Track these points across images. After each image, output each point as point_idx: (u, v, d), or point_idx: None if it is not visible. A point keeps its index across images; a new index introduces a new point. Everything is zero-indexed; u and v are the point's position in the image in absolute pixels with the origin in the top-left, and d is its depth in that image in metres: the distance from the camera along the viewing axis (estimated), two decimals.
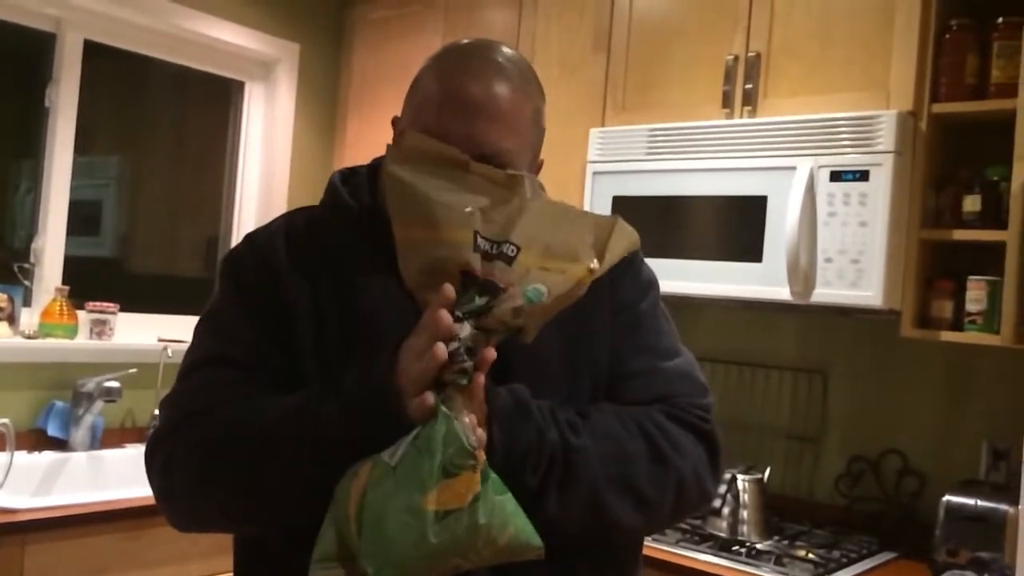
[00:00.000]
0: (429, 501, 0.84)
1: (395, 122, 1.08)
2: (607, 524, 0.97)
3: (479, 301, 0.90)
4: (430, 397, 0.87)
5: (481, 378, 0.89)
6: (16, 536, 1.86)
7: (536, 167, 1.10)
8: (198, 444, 0.98)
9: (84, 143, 2.86)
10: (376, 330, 0.98)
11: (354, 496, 0.86)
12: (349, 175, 1.13)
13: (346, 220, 1.07)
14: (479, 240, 0.90)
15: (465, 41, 1.10)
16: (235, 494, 0.97)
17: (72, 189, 2.77)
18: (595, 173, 2.41)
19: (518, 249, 0.91)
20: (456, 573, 0.88)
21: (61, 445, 2.48)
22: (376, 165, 1.11)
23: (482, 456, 0.87)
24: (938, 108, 2.01)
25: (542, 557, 0.90)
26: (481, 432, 0.88)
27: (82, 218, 3.43)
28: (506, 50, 1.07)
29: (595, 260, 0.93)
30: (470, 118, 0.99)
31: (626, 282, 1.10)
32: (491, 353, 0.89)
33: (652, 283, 1.14)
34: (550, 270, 0.91)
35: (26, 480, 2.26)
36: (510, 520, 0.88)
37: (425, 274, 0.91)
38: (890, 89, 2.03)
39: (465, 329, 0.89)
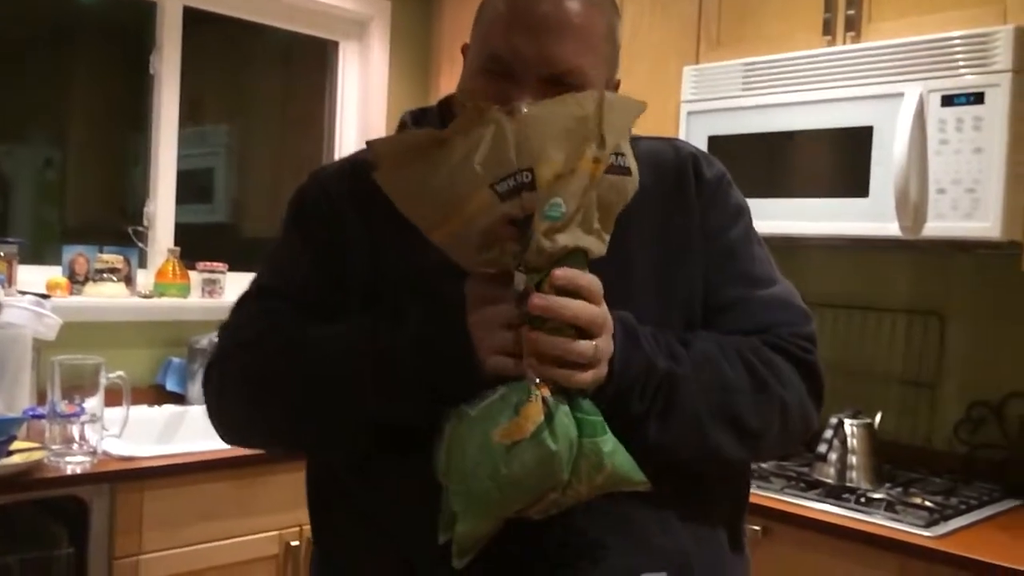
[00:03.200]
0: (496, 435, 0.84)
1: (464, 49, 1.06)
2: (710, 453, 0.95)
3: (528, 238, 0.86)
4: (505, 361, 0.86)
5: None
6: (136, 482, 1.96)
7: (613, 85, 1.06)
8: (249, 371, 1.00)
9: (194, 113, 2.96)
10: (433, 273, 0.95)
11: (441, 445, 0.88)
12: (420, 114, 1.11)
13: None
14: (498, 187, 0.84)
15: None
16: (287, 420, 0.98)
17: (185, 158, 2.87)
18: (689, 113, 2.33)
19: (531, 172, 0.84)
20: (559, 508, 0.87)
21: (179, 399, 2.60)
22: (445, 103, 1.10)
23: (545, 390, 0.85)
24: None
25: (648, 488, 0.88)
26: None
27: (196, 186, 3.57)
28: None
29: (594, 146, 0.85)
30: (540, 35, 0.95)
31: (715, 208, 1.05)
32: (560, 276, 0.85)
33: (742, 208, 1.09)
34: (563, 175, 0.84)
35: (147, 432, 2.38)
36: (607, 459, 0.86)
37: (483, 253, 0.86)
38: (1007, 2, 1.88)
39: (516, 278, 0.86)
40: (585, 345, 0.84)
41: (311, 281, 1.03)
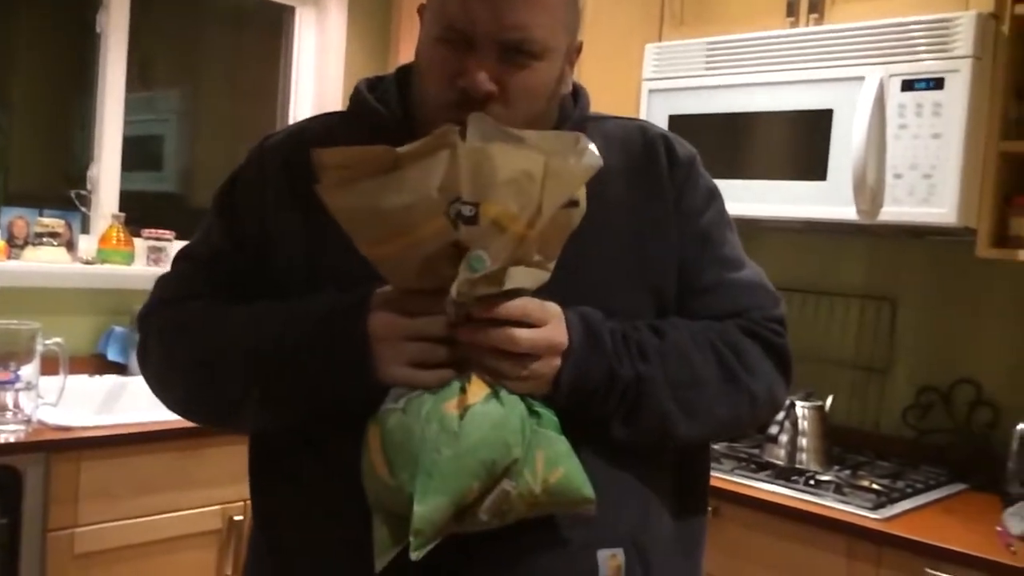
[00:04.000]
0: (446, 406, 0.82)
1: (421, 11, 1.02)
2: (675, 443, 0.96)
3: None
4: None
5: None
6: (72, 452, 1.89)
7: (575, 50, 1.03)
8: (164, 335, 1.02)
9: (144, 77, 2.86)
10: (347, 265, 0.92)
11: (374, 448, 0.84)
12: (376, 82, 1.07)
13: (371, 126, 1.01)
14: (450, 212, 0.81)
15: None
16: (191, 390, 1.00)
17: (134, 124, 2.78)
18: (651, 91, 2.31)
19: (476, 207, 0.81)
20: (507, 508, 0.84)
21: (121, 369, 2.52)
22: (403, 72, 1.06)
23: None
24: (1022, 9, 1.85)
25: (592, 513, 0.87)
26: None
27: (145, 154, 3.46)
28: None
29: (532, 215, 0.82)
30: (497, 1, 0.91)
31: (688, 190, 1.04)
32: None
33: (714, 191, 1.08)
34: (498, 225, 0.81)
35: (86, 402, 2.31)
36: (562, 460, 0.85)
37: (420, 276, 0.84)
38: None
39: (447, 305, 0.84)
40: (518, 367, 0.85)
41: (223, 249, 1.04)
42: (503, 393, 0.84)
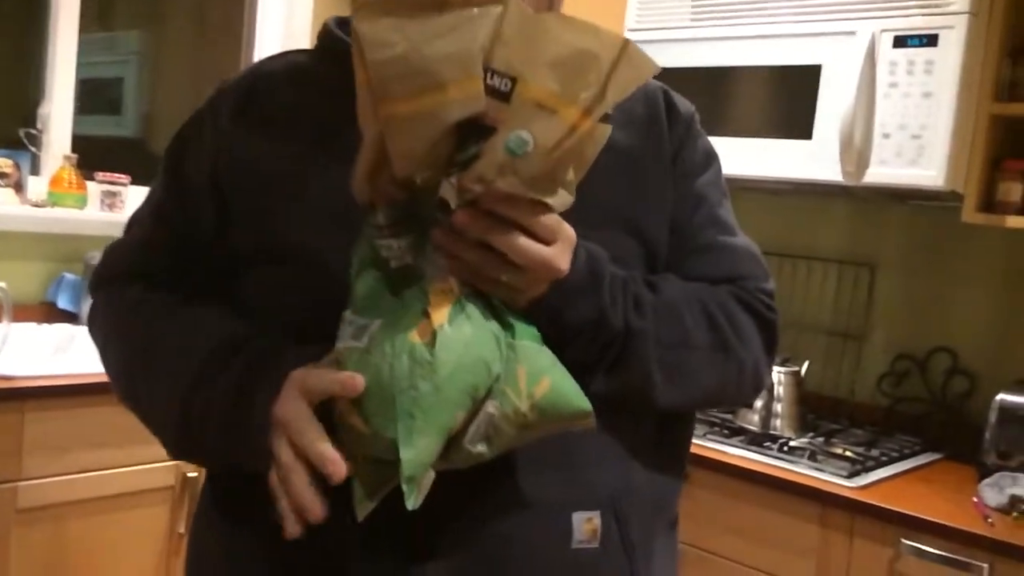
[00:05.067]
0: (414, 336, 0.72)
1: None
2: (653, 406, 0.88)
3: (471, 151, 0.71)
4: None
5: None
6: (15, 403, 1.80)
7: None
8: (103, 323, 0.95)
9: (103, 16, 2.72)
10: (329, 238, 0.83)
11: (346, 407, 0.74)
12: (347, 20, 0.97)
13: (343, 64, 0.92)
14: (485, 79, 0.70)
15: None
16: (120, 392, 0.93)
17: (92, 66, 2.65)
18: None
19: (512, 82, 0.69)
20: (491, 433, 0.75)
21: (71, 318, 2.41)
22: None
23: (452, 284, 0.74)
24: None
25: (593, 427, 0.78)
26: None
27: (104, 97, 3.31)
28: None
29: (591, 100, 0.71)
30: None
31: (688, 147, 0.97)
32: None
33: (712, 154, 1.02)
34: (544, 107, 0.70)
35: (33, 351, 2.20)
36: (547, 372, 0.75)
37: (427, 157, 0.71)
38: None
39: (445, 187, 0.72)
40: (500, 271, 0.74)
41: (173, 211, 0.94)
42: (469, 306, 0.73)
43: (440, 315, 0.73)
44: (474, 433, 0.74)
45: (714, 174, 1.00)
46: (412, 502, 0.71)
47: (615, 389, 0.84)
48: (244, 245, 0.88)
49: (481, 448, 0.75)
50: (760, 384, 0.97)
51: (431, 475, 0.73)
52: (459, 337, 0.73)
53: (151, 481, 2.01)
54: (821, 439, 2.01)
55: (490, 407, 0.73)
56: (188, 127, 0.96)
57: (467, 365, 0.72)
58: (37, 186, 2.47)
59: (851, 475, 1.77)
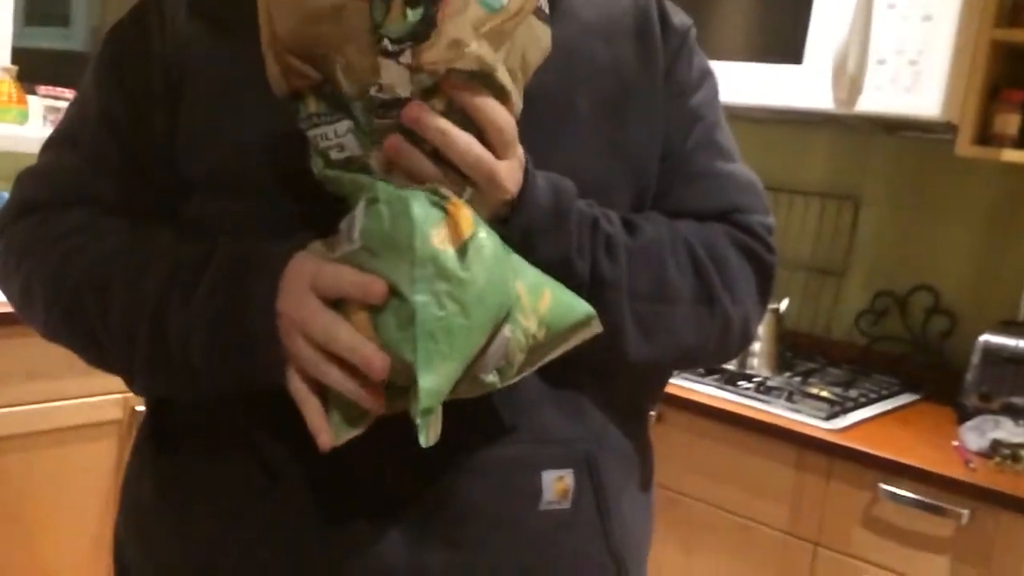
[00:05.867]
0: (438, 240, 0.61)
1: None
2: (625, 363, 0.78)
3: (411, 17, 0.60)
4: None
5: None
6: None
7: None
8: (22, 262, 0.79)
9: None
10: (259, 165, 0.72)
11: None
12: None
13: None
14: None
15: None
16: (59, 339, 0.79)
17: None
18: None
19: None
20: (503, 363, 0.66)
21: None
22: None
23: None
24: None
25: (599, 330, 0.70)
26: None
27: (50, 8, 3.11)
28: None
29: None
30: None
31: (682, 61, 0.86)
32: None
33: (709, 72, 0.90)
34: None
35: None
36: (542, 282, 0.67)
37: (312, 14, 0.61)
38: None
39: (390, 71, 0.61)
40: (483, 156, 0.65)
41: (105, 126, 0.80)
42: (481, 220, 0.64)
43: (468, 220, 0.62)
44: (489, 361, 0.64)
45: (710, 93, 0.89)
46: (425, 438, 0.61)
47: (580, 344, 0.74)
48: (196, 166, 0.76)
49: (493, 378, 0.65)
50: (748, 340, 0.87)
51: (440, 412, 0.63)
52: (487, 247, 0.62)
53: (97, 415, 1.90)
54: (798, 379, 1.95)
55: (506, 331, 0.64)
56: (128, 24, 0.81)
57: (496, 283, 0.62)
58: None
59: (829, 416, 1.71)
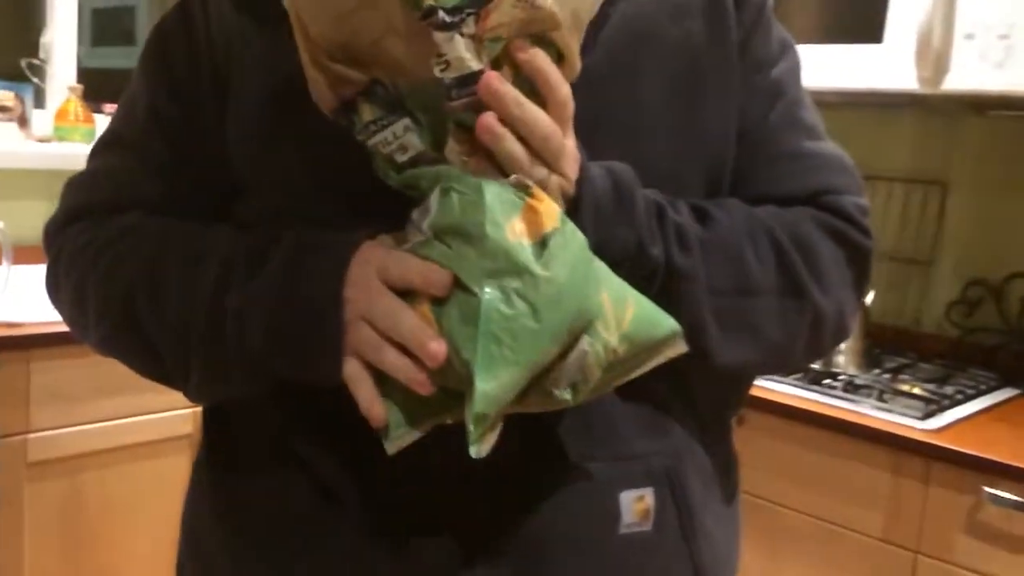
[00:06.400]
0: (514, 231, 0.56)
1: None
2: (708, 366, 0.71)
3: None
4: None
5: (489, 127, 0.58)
6: (20, 352, 1.69)
7: None
8: (72, 271, 0.76)
9: None
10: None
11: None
12: None
13: None
14: None
15: None
16: (115, 353, 0.76)
17: None
18: None
19: None
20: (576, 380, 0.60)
21: None
22: None
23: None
24: None
25: (683, 348, 0.64)
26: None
27: (117, 27, 3.16)
28: None
29: None
30: None
31: (760, 33, 0.79)
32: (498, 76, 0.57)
33: (788, 44, 0.83)
34: None
35: (37, 295, 2.09)
36: (627, 293, 0.61)
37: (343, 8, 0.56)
38: None
39: (455, 45, 0.55)
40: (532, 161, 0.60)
41: (169, 151, 0.76)
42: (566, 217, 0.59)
43: (552, 213, 0.56)
44: (563, 374, 0.58)
45: (792, 66, 0.82)
46: (476, 449, 0.56)
47: None
48: (249, 166, 0.72)
49: (567, 395, 0.59)
50: (843, 335, 0.79)
51: (499, 424, 0.57)
52: (576, 248, 0.56)
53: (168, 430, 1.90)
54: (888, 376, 1.84)
55: (584, 343, 0.58)
56: (173, 18, 0.77)
57: (577, 287, 0.56)
58: (43, 120, 2.34)
59: (925, 416, 1.60)
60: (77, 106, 2.33)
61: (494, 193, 0.56)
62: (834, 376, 1.79)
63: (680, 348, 0.64)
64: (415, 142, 0.59)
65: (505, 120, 0.57)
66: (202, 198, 0.75)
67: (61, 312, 0.79)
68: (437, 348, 0.56)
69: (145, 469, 1.88)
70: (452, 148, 0.59)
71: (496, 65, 0.57)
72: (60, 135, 2.31)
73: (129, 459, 1.85)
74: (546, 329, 0.56)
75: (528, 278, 0.55)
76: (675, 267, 0.67)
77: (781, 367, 0.80)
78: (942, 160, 2.07)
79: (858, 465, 1.60)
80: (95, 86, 2.44)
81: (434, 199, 0.58)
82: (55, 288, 0.79)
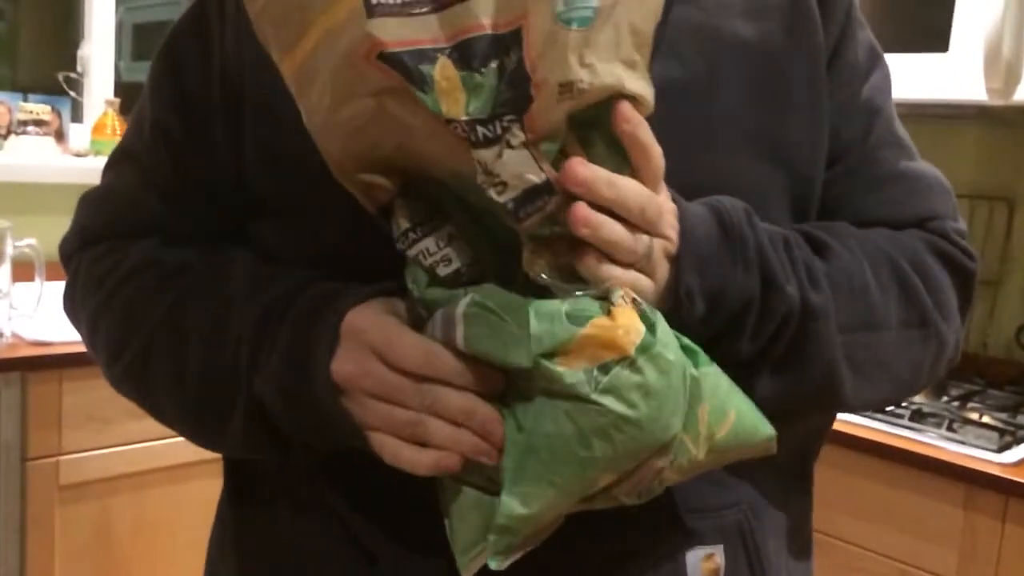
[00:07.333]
0: (564, 362, 0.48)
1: None
2: (835, 408, 0.67)
3: (483, 81, 0.47)
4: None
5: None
6: (52, 371, 1.65)
7: None
8: (88, 299, 0.72)
9: None
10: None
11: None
12: None
13: None
14: None
15: None
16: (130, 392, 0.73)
17: (143, 10, 2.48)
18: None
19: None
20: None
21: None
22: None
23: (630, 292, 0.51)
24: None
25: (773, 451, 0.57)
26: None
27: (155, 42, 3.15)
28: None
29: None
30: None
31: (846, 45, 0.72)
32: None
33: (878, 52, 0.76)
34: None
35: None
36: (730, 403, 0.55)
37: (345, 105, 0.49)
38: None
39: (506, 163, 0.47)
40: (634, 238, 0.52)
41: (179, 167, 0.71)
42: (660, 328, 0.50)
43: (629, 333, 0.48)
44: (633, 487, 0.52)
45: (883, 77, 0.75)
46: (496, 561, 0.50)
47: (786, 391, 0.60)
48: (266, 188, 0.66)
49: (633, 500, 0.53)
50: (956, 361, 0.73)
51: (535, 542, 0.51)
52: (662, 363, 0.49)
53: (201, 452, 1.83)
54: (956, 404, 1.74)
55: (661, 462, 0.51)
56: (185, 24, 0.71)
57: (660, 411, 0.49)
58: (80, 134, 2.32)
59: (1001, 448, 1.50)
60: (114, 120, 2.31)
61: (542, 317, 0.49)
62: (902, 405, 1.69)
63: (770, 451, 0.57)
64: (463, 250, 0.53)
65: (597, 205, 0.50)
66: (213, 217, 0.70)
67: (77, 329, 0.76)
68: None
69: (178, 492, 1.83)
70: (531, 262, 0.51)
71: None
72: (97, 149, 2.28)
73: (162, 482, 1.80)
74: (601, 459, 0.49)
75: (581, 404, 0.48)
76: (811, 307, 0.60)
77: (903, 400, 0.73)
78: (1010, 175, 1.97)
79: (928, 500, 1.51)
80: (133, 100, 2.42)
81: (460, 311, 0.51)
82: (71, 308, 0.76)
